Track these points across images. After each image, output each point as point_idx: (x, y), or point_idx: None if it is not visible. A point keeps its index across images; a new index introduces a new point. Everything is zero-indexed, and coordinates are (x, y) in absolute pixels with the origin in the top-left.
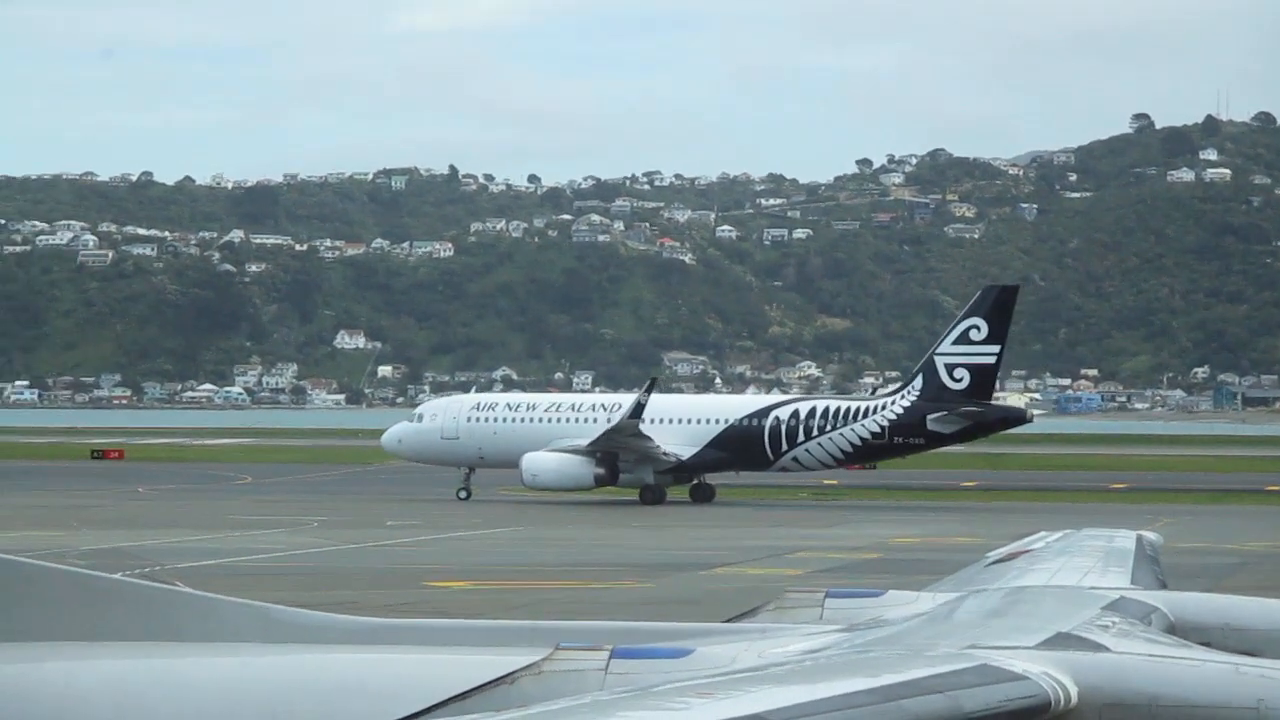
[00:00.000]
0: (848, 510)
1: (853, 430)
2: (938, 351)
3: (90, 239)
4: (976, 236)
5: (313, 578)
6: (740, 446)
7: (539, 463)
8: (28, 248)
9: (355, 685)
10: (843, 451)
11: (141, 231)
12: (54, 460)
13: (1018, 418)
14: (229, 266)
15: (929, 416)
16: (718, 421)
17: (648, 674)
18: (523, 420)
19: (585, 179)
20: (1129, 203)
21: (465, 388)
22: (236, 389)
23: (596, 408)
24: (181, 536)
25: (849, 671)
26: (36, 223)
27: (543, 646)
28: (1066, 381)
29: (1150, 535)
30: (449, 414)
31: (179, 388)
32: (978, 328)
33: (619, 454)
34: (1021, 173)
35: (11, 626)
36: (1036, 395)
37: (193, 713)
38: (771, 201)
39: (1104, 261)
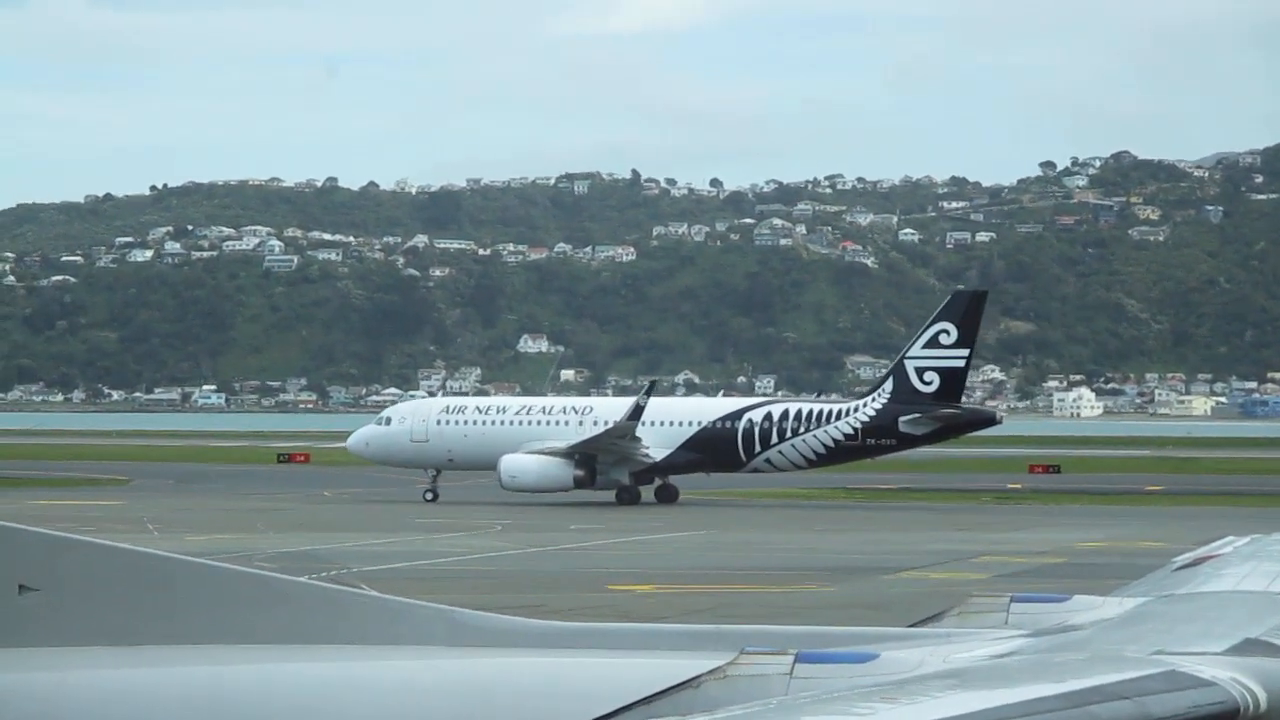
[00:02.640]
0: (1031, 514)
1: (825, 432)
2: (908, 355)
3: (276, 244)
4: (1161, 239)
5: (496, 581)
6: (713, 448)
7: (519, 464)
8: (214, 253)
9: (540, 689)
10: (815, 453)
11: (326, 236)
12: (240, 464)
13: (987, 419)
14: (413, 271)
15: (901, 419)
16: (691, 424)
17: (832, 678)
18: (493, 423)
19: (767, 182)
20: None
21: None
22: (421, 392)
23: (568, 410)
24: (366, 540)
25: (1035, 677)
26: (223, 228)
27: (727, 650)
28: (1253, 384)
29: None
30: (418, 417)
31: (364, 391)
32: (947, 332)
33: (597, 456)
34: (1207, 174)
35: (200, 629)
36: (1222, 399)
37: (378, 716)
38: (954, 204)
39: None
